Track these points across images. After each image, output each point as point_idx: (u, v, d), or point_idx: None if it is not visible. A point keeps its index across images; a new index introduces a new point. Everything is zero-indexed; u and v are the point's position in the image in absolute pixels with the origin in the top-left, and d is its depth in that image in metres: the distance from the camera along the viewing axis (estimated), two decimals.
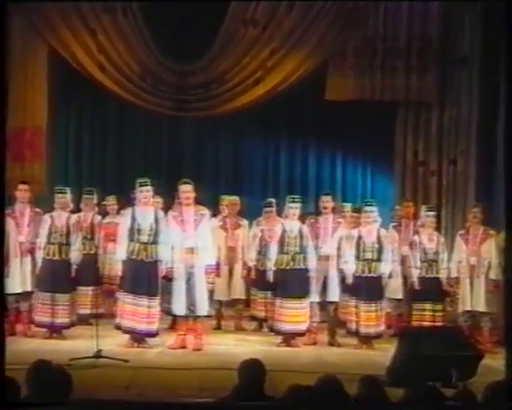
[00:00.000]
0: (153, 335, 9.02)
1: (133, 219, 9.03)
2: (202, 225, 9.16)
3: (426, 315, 9.68)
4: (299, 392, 4.15)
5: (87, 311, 9.98)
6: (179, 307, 9.13)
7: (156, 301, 9.00)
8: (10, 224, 9.55)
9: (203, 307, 9.10)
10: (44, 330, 9.50)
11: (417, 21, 12.76)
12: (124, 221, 9.20)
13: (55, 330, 9.48)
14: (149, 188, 9.06)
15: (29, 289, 9.63)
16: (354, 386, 4.55)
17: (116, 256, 9.18)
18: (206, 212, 9.32)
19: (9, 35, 12.51)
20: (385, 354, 8.38)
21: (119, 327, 9.00)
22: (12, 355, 7.49)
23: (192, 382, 7.15)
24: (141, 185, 9.06)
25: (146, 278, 8.94)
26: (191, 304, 9.04)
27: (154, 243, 8.98)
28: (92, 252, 10.21)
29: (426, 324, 9.57)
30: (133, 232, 8.98)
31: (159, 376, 7.42)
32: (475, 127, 12.80)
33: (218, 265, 9.93)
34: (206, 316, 9.26)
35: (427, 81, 12.78)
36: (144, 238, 8.97)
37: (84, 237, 10.14)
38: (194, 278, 9.06)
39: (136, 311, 8.88)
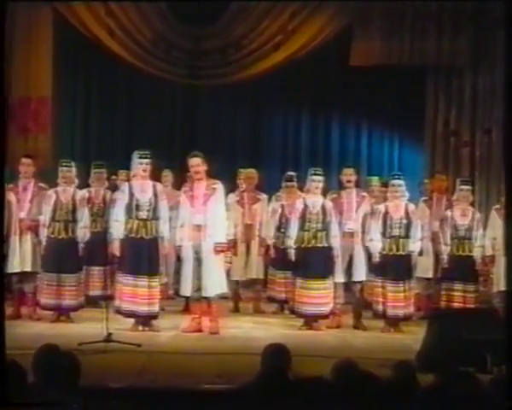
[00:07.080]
0: (154, 316, 8.98)
1: (131, 194, 8.97)
2: (212, 200, 9.01)
3: (455, 296, 9.62)
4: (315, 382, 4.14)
5: (97, 292, 10.00)
6: (186, 287, 9.08)
7: (157, 281, 8.98)
8: (11, 199, 9.51)
9: (213, 288, 8.97)
10: (51, 312, 9.50)
11: None
12: (121, 197, 9.11)
13: (61, 313, 9.49)
14: (149, 161, 8.97)
15: (29, 268, 9.60)
16: (381, 371, 4.53)
17: (113, 235, 9.05)
18: (219, 186, 9.11)
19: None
20: (414, 337, 8.36)
21: (118, 311, 8.92)
22: (17, 339, 7.58)
23: (208, 368, 7.13)
24: (140, 157, 8.98)
25: (146, 256, 8.90)
26: (198, 285, 8.95)
27: (154, 218, 8.93)
28: (102, 230, 10.18)
29: (456, 305, 9.53)
30: (131, 209, 8.93)
31: (173, 361, 7.43)
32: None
33: (235, 242, 9.92)
34: (221, 297, 9.24)
35: (459, 44, 12.64)
36: (143, 214, 8.91)
37: (96, 213, 10.13)
38: (202, 257, 8.96)
39: (137, 292, 8.84)
